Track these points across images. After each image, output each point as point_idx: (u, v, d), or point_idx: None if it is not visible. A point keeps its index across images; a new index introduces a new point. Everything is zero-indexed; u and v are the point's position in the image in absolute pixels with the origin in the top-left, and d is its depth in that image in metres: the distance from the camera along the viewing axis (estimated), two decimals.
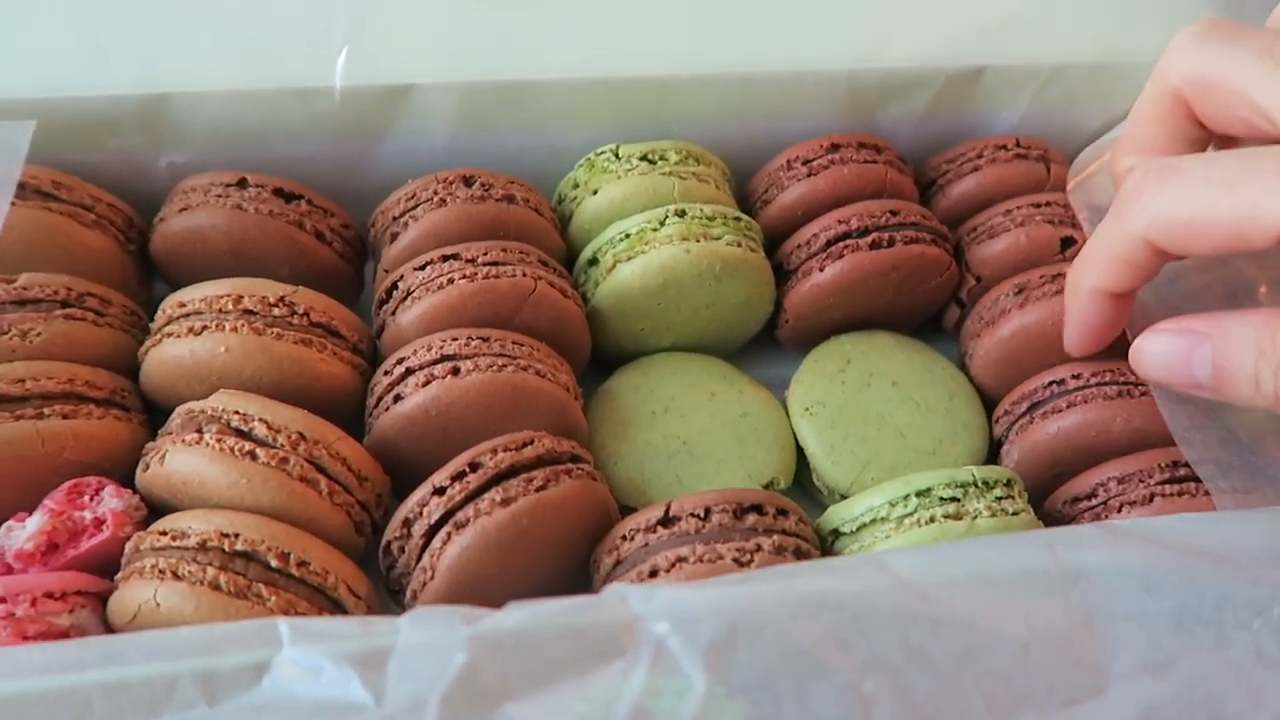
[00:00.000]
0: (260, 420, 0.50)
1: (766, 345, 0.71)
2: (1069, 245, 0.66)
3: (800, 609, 0.40)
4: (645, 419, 0.62)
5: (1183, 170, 0.44)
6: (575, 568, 0.55)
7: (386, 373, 0.56)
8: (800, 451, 0.64)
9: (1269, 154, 0.42)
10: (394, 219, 0.62)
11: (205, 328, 0.53)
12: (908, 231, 0.64)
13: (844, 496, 0.62)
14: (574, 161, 0.68)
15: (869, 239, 0.63)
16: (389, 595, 0.53)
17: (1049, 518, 0.60)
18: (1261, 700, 0.40)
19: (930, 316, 0.72)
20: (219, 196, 0.59)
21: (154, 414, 0.57)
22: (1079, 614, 0.41)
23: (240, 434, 0.50)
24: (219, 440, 0.49)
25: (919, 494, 0.53)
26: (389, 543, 0.51)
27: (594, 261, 0.64)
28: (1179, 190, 0.44)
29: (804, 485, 0.65)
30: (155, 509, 0.52)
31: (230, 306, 0.54)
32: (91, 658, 0.38)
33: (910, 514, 0.53)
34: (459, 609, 0.40)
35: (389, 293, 0.59)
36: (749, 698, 0.37)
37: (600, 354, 0.65)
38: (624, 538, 0.52)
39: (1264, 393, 0.43)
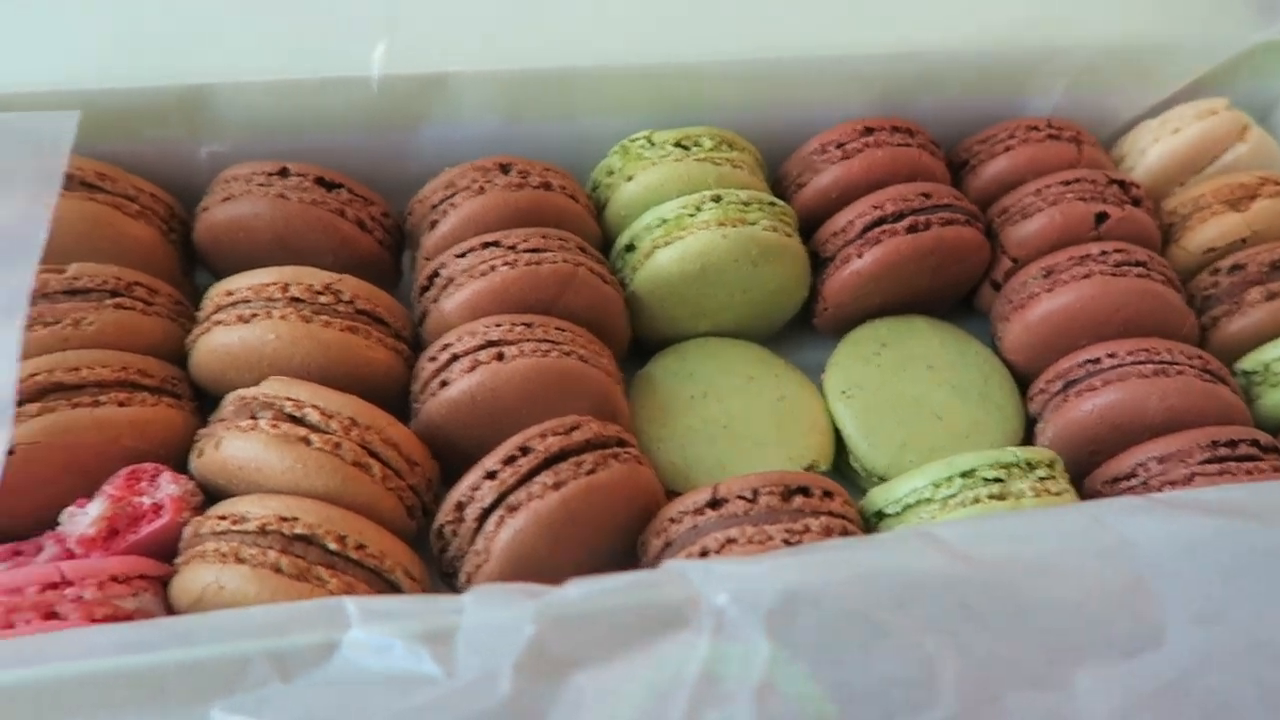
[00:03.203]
0: (312, 406, 0.50)
1: (799, 330, 0.71)
2: (1103, 220, 0.66)
3: (855, 576, 0.40)
4: (685, 403, 0.63)
5: None
6: (622, 550, 0.55)
7: (432, 359, 0.56)
8: (837, 434, 0.65)
9: None
10: (432, 207, 0.63)
11: (254, 315, 0.54)
12: (942, 213, 0.65)
13: (881, 478, 0.63)
14: (607, 148, 0.68)
15: (905, 223, 0.64)
16: (441, 578, 0.53)
17: (1087, 498, 0.60)
18: None
19: (961, 297, 0.72)
20: (261, 185, 0.60)
21: (201, 401, 0.58)
22: (1128, 574, 0.41)
23: (294, 420, 0.50)
24: (274, 426, 0.50)
25: (963, 475, 0.54)
26: (441, 526, 0.52)
27: (631, 248, 0.64)
28: None
29: (839, 468, 0.66)
30: (208, 494, 0.53)
31: (278, 294, 0.54)
32: (167, 638, 0.39)
33: (954, 495, 0.53)
34: (520, 585, 0.41)
35: (430, 280, 0.60)
36: (811, 660, 0.37)
37: (636, 339, 0.66)
38: (672, 520, 0.52)
39: None
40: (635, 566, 0.55)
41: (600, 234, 0.67)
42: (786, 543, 0.49)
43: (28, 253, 0.47)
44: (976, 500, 0.53)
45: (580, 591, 0.39)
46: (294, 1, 0.64)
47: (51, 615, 0.44)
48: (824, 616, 0.38)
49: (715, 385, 0.64)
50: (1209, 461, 0.56)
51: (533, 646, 0.37)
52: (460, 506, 0.51)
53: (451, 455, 0.56)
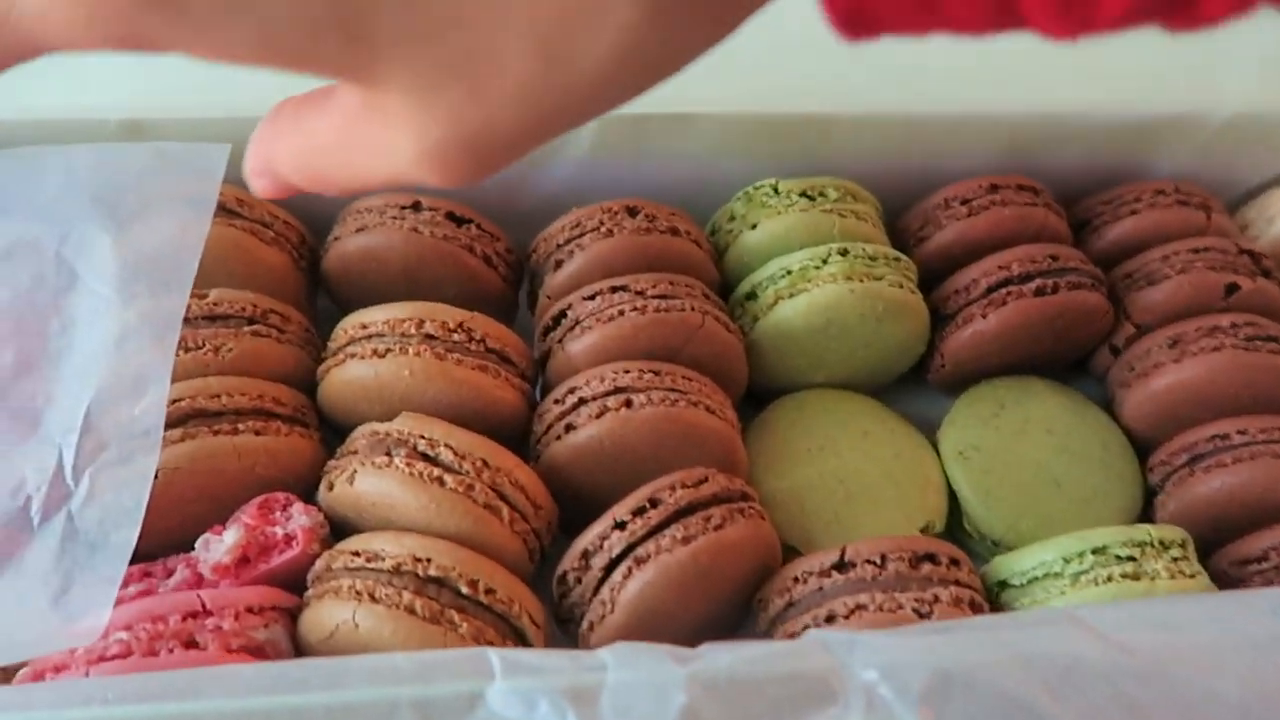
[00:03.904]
0: (446, 446, 0.51)
1: (908, 383, 0.70)
2: (1233, 291, 0.65)
3: (1007, 659, 0.39)
4: (802, 456, 0.62)
5: None
6: (739, 605, 0.55)
7: (558, 401, 0.56)
8: (951, 495, 0.64)
9: None
10: (558, 246, 0.63)
11: (389, 350, 0.54)
12: (1070, 277, 0.64)
13: (996, 544, 0.62)
14: (727, 193, 0.68)
15: (1032, 285, 0.63)
16: (557, 624, 0.53)
17: (1214, 578, 0.58)
18: None
19: (1076, 360, 0.71)
20: (395, 218, 0.61)
21: (324, 431, 0.59)
22: None
23: (427, 459, 0.50)
24: (408, 464, 0.50)
25: (1095, 551, 0.52)
26: (565, 573, 0.52)
27: (752, 296, 0.64)
28: None
29: (951, 529, 0.64)
30: (334, 526, 0.53)
31: (413, 330, 0.55)
32: (315, 679, 0.39)
33: (1086, 571, 0.52)
34: (663, 647, 0.40)
35: (556, 320, 0.60)
36: None
37: (749, 387, 0.65)
38: (796, 580, 0.52)
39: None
40: (750, 623, 0.55)
41: (719, 280, 0.66)
42: (917, 612, 0.49)
43: (181, 279, 0.48)
44: (1109, 579, 0.51)
45: (730, 659, 0.39)
46: None
47: (191, 644, 0.44)
48: (979, 700, 0.38)
49: (833, 439, 0.63)
50: None
51: (686, 713, 0.37)
52: (586, 555, 0.51)
53: (568, 498, 0.56)
